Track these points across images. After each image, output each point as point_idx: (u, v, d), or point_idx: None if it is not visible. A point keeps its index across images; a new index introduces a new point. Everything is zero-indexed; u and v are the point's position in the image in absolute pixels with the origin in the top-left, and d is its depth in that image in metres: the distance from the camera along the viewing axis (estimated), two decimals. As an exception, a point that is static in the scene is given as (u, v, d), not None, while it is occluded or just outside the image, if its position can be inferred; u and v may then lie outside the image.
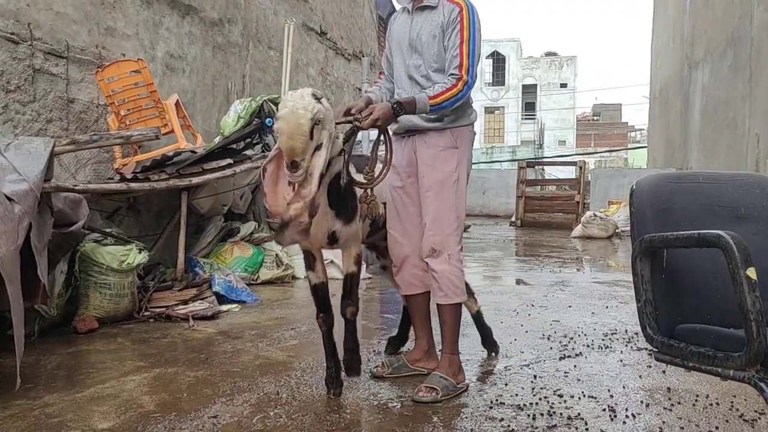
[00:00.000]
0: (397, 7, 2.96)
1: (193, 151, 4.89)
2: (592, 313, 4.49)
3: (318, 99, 2.28)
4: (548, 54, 45.65)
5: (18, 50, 4.12)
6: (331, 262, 5.53)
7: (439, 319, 2.80)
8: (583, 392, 2.74)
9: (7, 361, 3.07)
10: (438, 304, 2.77)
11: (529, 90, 44.09)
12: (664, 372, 3.04)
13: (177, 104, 5.13)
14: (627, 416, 2.47)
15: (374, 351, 3.37)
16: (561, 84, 43.78)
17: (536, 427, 2.34)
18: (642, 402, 2.64)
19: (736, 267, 1.38)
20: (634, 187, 1.83)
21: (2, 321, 3.35)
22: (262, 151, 5.67)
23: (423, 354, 2.96)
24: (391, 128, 2.75)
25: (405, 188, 2.83)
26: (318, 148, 2.28)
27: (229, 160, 5.04)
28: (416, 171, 2.78)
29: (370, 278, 5.79)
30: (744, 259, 1.38)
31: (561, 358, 3.30)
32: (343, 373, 2.76)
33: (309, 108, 2.21)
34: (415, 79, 2.75)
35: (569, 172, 21.44)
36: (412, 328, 3.13)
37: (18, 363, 2.61)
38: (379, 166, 2.68)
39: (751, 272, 1.37)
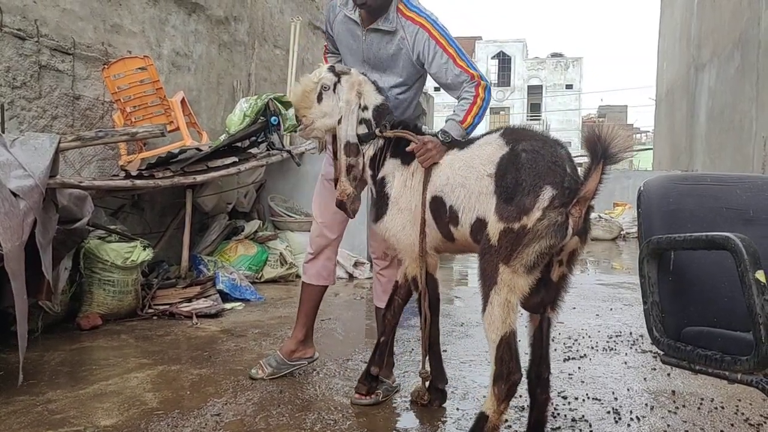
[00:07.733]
0: (338, 9, 2.71)
1: (198, 149, 4.89)
2: (597, 315, 4.47)
3: (335, 72, 2.56)
4: (554, 55, 45.46)
5: (24, 46, 4.12)
6: (336, 262, 5.52)
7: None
8: (587, 394, 2.73)
9: (10, 357, 3.07)
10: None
11: (534, 91, 43.94)
12: (668, 375, 3.03)
13: (183, 102, 5.13)
14: (632, 419, 2.46)
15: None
16: (567, 85, 43.60)
17: (540, 429, 2.33)
18: (646, 405, 2.62)
19: (745, 270, 1.37)
20: (642, 188, 1.82)
21: (6, 317, 3.36)
22: (267, 150, 5.67)
23: (299, 344, 2.94)
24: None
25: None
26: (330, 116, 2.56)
27: (234, 159, 5.04)
28: None
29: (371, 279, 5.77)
30: (753, 261, 1.37)
31: (565, 360, 3.29)
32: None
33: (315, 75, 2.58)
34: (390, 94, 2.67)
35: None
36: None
37: (21, 359, 2.60)
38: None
39: (760, 275, 1.36)
